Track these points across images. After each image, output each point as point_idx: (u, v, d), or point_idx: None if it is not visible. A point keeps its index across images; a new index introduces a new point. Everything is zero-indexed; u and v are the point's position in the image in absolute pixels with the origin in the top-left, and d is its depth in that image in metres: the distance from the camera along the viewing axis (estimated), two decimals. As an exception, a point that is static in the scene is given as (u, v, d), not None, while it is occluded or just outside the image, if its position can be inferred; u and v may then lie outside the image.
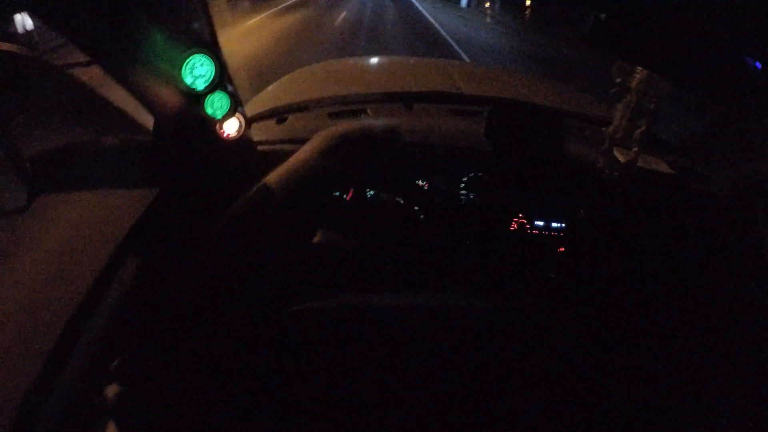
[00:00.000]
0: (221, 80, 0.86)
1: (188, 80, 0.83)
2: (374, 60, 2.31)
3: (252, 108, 1.58)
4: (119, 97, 1.06)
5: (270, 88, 1.97)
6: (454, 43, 10.92)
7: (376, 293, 0.96)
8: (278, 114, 1.45)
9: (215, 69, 0.84)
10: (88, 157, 1.08)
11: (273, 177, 0.76)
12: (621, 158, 1.17)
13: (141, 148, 1.11)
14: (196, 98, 0.92)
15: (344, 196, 1.28)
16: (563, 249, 1.30)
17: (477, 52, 10.24)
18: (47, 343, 0.83)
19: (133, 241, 1.01)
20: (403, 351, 0.88)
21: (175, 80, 0.84)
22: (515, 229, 1.29)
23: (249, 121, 1.22)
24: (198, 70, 0.83)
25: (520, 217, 1.29)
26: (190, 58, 0.81)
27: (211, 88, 0.85)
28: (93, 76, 1.06)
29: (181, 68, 0.82)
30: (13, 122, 1.00)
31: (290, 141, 1.17)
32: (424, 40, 11.35)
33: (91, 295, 0.91)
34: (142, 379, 0.81)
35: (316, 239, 1.17)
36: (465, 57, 9.57)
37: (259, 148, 1.22)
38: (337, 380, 0.89)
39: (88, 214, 1.02)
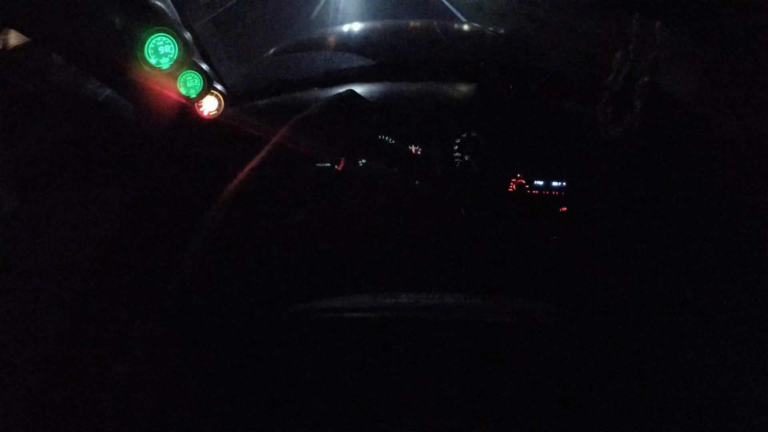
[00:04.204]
0: (187, 58, 0.82)
1: (152, 61, 0.79)
2: (362, 27, 2.25)
3: (239, 84, 1.54)
4: (99, 88, 1.03)
5: (257, 62, 1.92)
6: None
7: (377, 292, 0.94)
8: (264, 91, 1.41)
9: (179, 47, 0.79)
10: (75, 153, 1.05)
11: (251, 166, 0.73)
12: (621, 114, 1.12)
13: (125, 137, 1.08)
14: (166, 79, 0.88)
15: (336, 167, 1.25)
16: (565, 209, 1.25)
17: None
18: (46, 339, 0.82)
19: (127, 232, 0.99)
20: (405, 352, 0.86)
21: (141, 63, 0.80)
22: (513, 191, 1.25)
23: (231, 99, 1.19)
24: (162, 50, 0.79)
25: (519, 178, 1.24)
26: (151, 38, 0.78)
27: (178, 66, 0.82)
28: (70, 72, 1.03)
29: (143, 49, 0.78)
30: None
31: (274, 119, 1.14)
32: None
33: (87, 291, 0.90)
34: (142, 381, 0.80)
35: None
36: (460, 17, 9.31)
37: (243, 125, 1.18)
38: (337, 382, 0.87)
39: (80, 209, 1.01)
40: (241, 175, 0.74)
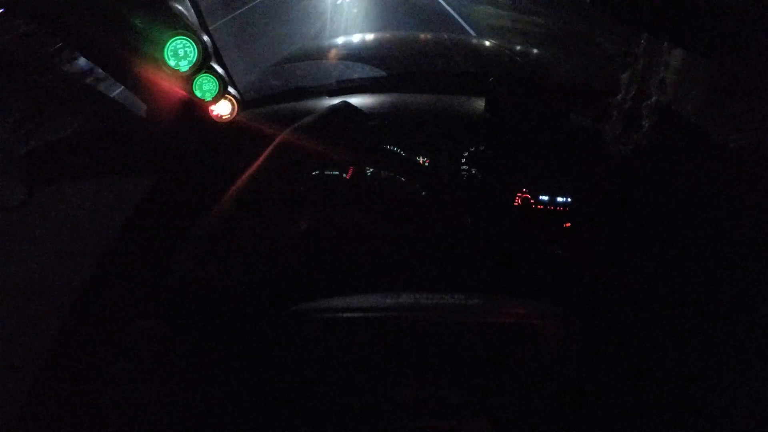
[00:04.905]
0: (205, 62, 0.84)
1: (171, 63, 0.81)
2: (374, 37, 2.28)
3: (250, 89, 1.56)
4: (112, 86, 1.05)
5: (268, 68, 1.94)
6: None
7: (381, 292, 0.95)
8: (276, 97, 1.42)
9: (198, 51, 0.81)
10: (84, 149, 1.07)
11: (247, 174, 0.75)
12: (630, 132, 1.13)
13: (136, 136, 1.10)
14: (183, 81, 0.90)
15: (344, 175, 1.26)
16: (569, 224, 1.26)
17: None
18: (48, 332, 0.83)
19: (132, 230, 1.00)
20: (406, 352, 0.86)
21: (160, 64, 0.82)
22: (519, 205, 1.26)
23: (243, 104, 1.20)
24: (181, 53, 0.81)
25: (524, 192, 1.25)
26: (171, 41, 0.79)
27: (196, 69, 0.83)
28: (84, 67, 1.04)
29: (163, 51, 0.79)
30: (8, 119, 0.99)
31: (285, 126, 1.16)
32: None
33: (91, 286, 0.90)
34: (141, 379, 0.80)
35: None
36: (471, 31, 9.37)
37: (255, 130, 1.20)
38: (337, 382, 0.88)
39: (86, 205, 1.02)
40: (238, 182, 0.76)
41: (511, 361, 0.83)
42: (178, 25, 0.81)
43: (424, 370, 0.85)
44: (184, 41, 0.81)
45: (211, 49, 0.91)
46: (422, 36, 2.39)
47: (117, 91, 1.09)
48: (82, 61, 0.95)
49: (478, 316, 0.86)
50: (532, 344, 0.82)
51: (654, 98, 1.09)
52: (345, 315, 0.90)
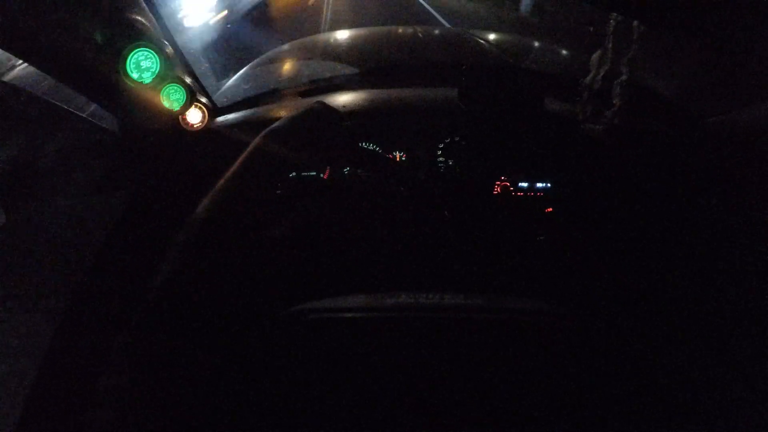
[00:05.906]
0: (169, 72, 0.83)
1: (134, 75, 0.80)
2: (346, 34, 2.26)
3: (223, 96, 1.54)
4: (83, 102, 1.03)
5: (241, 73, 1.92)
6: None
7: (376, 293, 0.95)
8: (249, 101, 1.41)
9: (160, 61, 0.80)
10: (60, 168, 1.05)
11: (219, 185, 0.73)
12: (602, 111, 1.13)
13: (110, 152, 1.08)
14: (150, 93, 0.88)
15: (321, 175, 1.25)
16: (551, 209, 1.26)
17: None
18: (30, 352, 0.81)
19: (110, 247, 0.99)
20: (404, 352, 0.86)
21: (123, 76, 0.80)
22: (498, 193, 1.26)
23: (215, 111, 1.19)
24: (144, 64, 0.79)
25: (503, 180, 1.25)
26: (133, 53, 0.78)
27: (160, 80, 0.82)
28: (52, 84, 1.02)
29: (125, 64, 0.78)
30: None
31: (258, 130, 1.15)
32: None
33: (71, 304, 0.89)
34: (132, 393, 0.78)
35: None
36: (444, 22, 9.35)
37: (228, 136, 1.18)
38: (336, 383, 0.87)
39: (64, 224, 1.00)
40: (213, 190, 0.74)
41: (511, 360, 0.83)
42: (138, 37, 0.79)
43: (424, 369, 0.85)
44: (146, 52, 0.79)
45: (175, 59, 0.90)
46: (395, 30, 2.38)
47: (91, 108, 1.07)
48: (51, 81, 0.93)
49: (478, 316, 0.86)
50: (532, 343, 0.82)
51: (624, 77, 1.09)
52: (345, 315, 0.90)
